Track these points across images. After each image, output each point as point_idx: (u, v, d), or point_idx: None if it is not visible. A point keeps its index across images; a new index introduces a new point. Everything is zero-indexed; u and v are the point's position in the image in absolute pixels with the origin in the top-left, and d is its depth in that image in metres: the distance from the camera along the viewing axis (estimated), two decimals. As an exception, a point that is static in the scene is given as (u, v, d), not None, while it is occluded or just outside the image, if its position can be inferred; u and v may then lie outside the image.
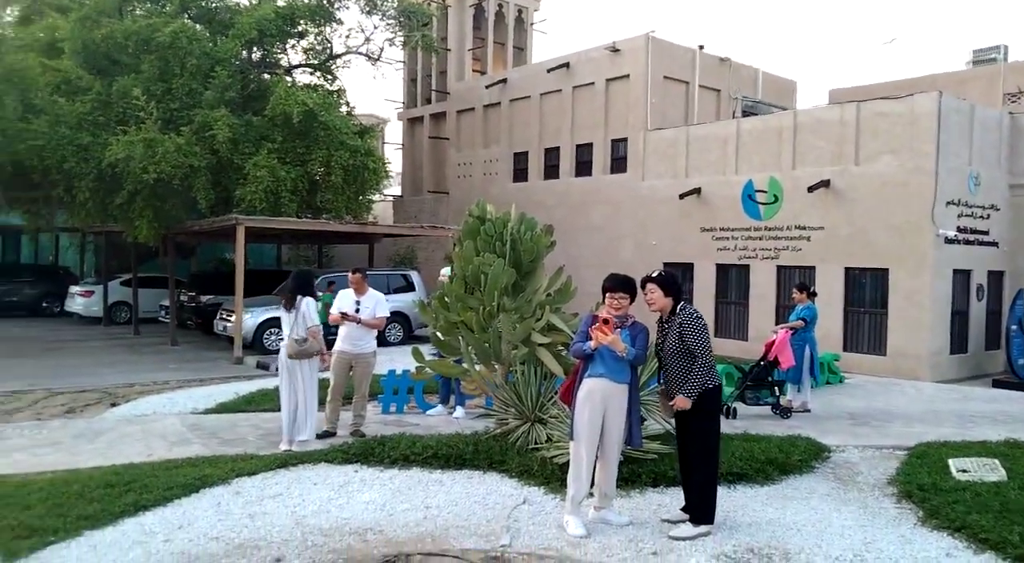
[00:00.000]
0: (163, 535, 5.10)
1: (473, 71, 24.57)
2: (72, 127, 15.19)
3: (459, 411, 9.23)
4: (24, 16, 19.58)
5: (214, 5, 18.79)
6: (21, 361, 14.15)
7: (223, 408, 9.46)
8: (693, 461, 5.31)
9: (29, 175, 15.98)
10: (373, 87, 74.75)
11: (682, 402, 5.16)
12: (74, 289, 21.51)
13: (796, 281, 12.81)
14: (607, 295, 5.39)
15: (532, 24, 26.25)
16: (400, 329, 16.58)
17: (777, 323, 12.95)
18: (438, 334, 8.26)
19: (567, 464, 5.56)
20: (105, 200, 15.69)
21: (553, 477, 6.19)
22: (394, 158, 27.56)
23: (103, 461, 6.96)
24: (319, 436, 7.82)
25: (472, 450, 6.86)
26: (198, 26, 17.43)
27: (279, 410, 7.74)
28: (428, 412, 9.37)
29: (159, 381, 11.63)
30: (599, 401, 5.27)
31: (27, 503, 5.56)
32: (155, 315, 19.94)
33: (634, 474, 6.20)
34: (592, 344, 5.23)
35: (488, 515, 5.60)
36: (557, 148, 20.17)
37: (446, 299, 8.15)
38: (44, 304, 23.05)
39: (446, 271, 9.38)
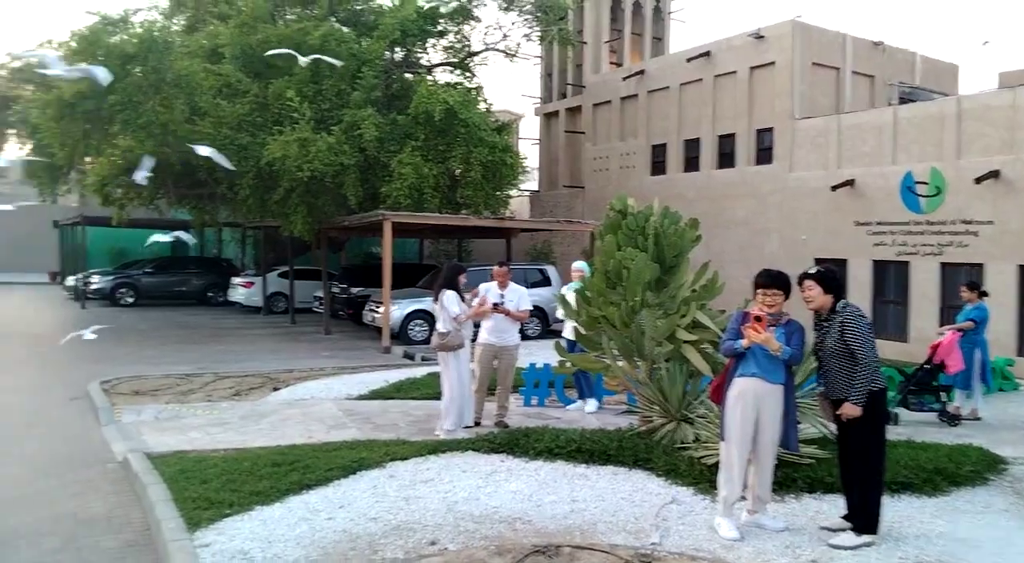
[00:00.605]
0: (326, 513, 5.39)
1: (610, 64, 24.37)
2: (233, 128, 16.24)
3: (591, 404, 9.21)
4: (189, 25, 21.10)
5: (359, 7, 19.59)
6: (191, 346, 15.35)
7: (375, 395, 9.89)
8: (855, 467, 5.05)
9: (195, 174, 17.24)
10: (510, 83, 75.67)
11: (850, 410, 4.90)
12: (236, 280, 23.09)
13: (963, 279, 11.91)
14: (759, 291, 5.21)
15: (670, 13, 25.74)
16: (538, 323, 16.72)
17: (942, 324, 12.09)
18: (579, 329, 8.27)
19: (716, 465, 5.44)
20: (263, 197, 16.71)
21: (702, 478, 6.06)
22: (530, 153, 27.84)
23: (268, 441, 7.43)
24: (467, 426, 8.03)
25: (617, 446, 6.83)
26: (344, 29, 18.21)
27: (429, 398, 8.02)
28: (568, 406, 9.41)
29: (315, 368, 12.28)
30: (751, 401, 5.11)
31: (204, 477, 6.03)
32: (309, 305, 21.08)
33: (789, 478, 5.97)
34: (744, 342, 5.07)
35: (636, 512, 5.55)
36: (697, 139, 19.67)
37: (587, 293, 8.14)
38: (209, 294, 24.87)
39: (579, 265, 9.38)
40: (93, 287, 24.03)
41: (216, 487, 5.78)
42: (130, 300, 24.05)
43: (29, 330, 17.64)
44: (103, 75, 8.85)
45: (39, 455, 7.33)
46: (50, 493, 6.18)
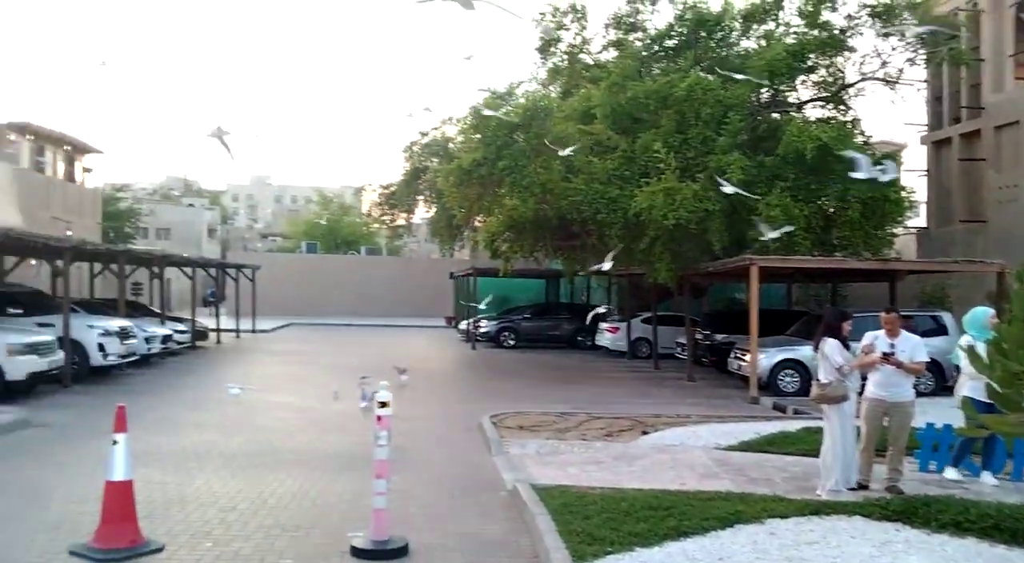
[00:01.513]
0: (705, 563, 5.29)
1: (1016, 79, 21.17)
2: (603, 182, 17.18)
3: (986, 476, 7.82)
4: (565, 91, 22.95)
5: (724, 54, 19.60)
6: (564, 386, 16.38)
7: (746, 446, 9.55)
8: None
9: (569, 227, 18.54)
10: (890, 112, 69.73)
11: None
12: (603, 325, 24.18)
13: None
14: None
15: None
16: (931, 378, 14.80)
17: None
18: (994, 386, 7.11)
19: None
20: (630, 246, 17.34)
21: None
22: (917, 186, 25.14)
23: (641, 484, 7.54)
24: (851, 488, 7.34)
25: (1049, 526, 5.71)
26: (710, 77, 18.35)
27: (806, 454, 7.51)
28: (979, 477, 8.12)
29: (681, 414, 12.28)
30: None
31: (586, 513, 6.29)
32: (671, 351, 21.25)
33: None
34: None
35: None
36: None
37: (1004, 345, 6.98)
38: (579, 337, 26.37)
39: (984, 311, 8.09)
40: (481, 330, 26.94)
41: (597, 523, 6.00)
42: (511, 342, 26.50)
43: (431, 367, 20.28)
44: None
45: (441, 477, 8.31)
46: (453, 513, 6.94)
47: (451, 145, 22.11)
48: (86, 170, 33.65)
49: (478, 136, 17.73)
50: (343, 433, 10.73)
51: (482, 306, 15.36)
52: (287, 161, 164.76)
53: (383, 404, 5.85)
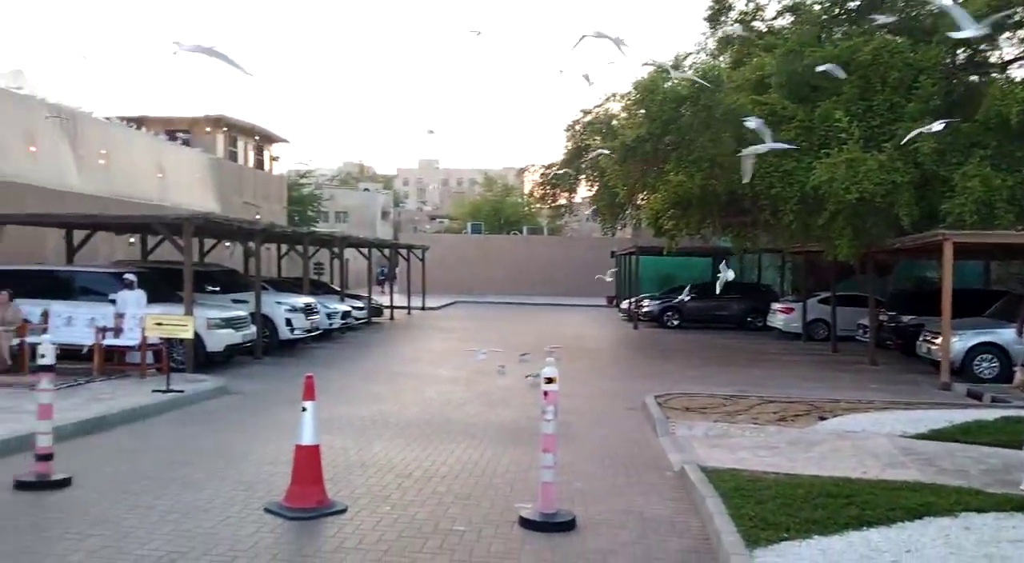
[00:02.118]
0: (890, 555, 4.93)
1: None
2: (777, 155, 16.31)
3: None
4: (736, 60, 21.95)
5: (914, 14, 17.99)
6: (732, 368, 15.85)
7: (936, 435, 8.81)
8: None
9: (740, 202, 17.79)
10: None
11: None
12: (775, 305, 23.16)
13: None
14: None
15: None
16: None
17: None
18: None
19: None
20: (807, 221, 16.39)
21: None
22: None
23: (818, 471, 7.15)
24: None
25: None
26: (898, 38, 16.92)
27: (1005, 446, 6.82)
28: None
29: (862, 400, 11.51)
30: None
31: (759, 498, 6.05)
32: (852, 334, 19.98)
33: None
34: None
35: None
36: None
37: None
38: (748, 319, 25.41)
39: None
40: (644, 310, 26.58)
41: (771, 508, 5.75)
42: (675, 323, 25.95)
43: (592, 346, 20.26)
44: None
45: (605, 455, 8.27)
46: (618, 490, 6.89)
47: (614, 122, 21.79)
48: (273, 158, 36.26)
49: (642, 111, 17.35)
50: (508, 407, 10.97)
51: (722, 278, 15.02)
52: (454, 145, 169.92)
53: (550, 380, 5.89)
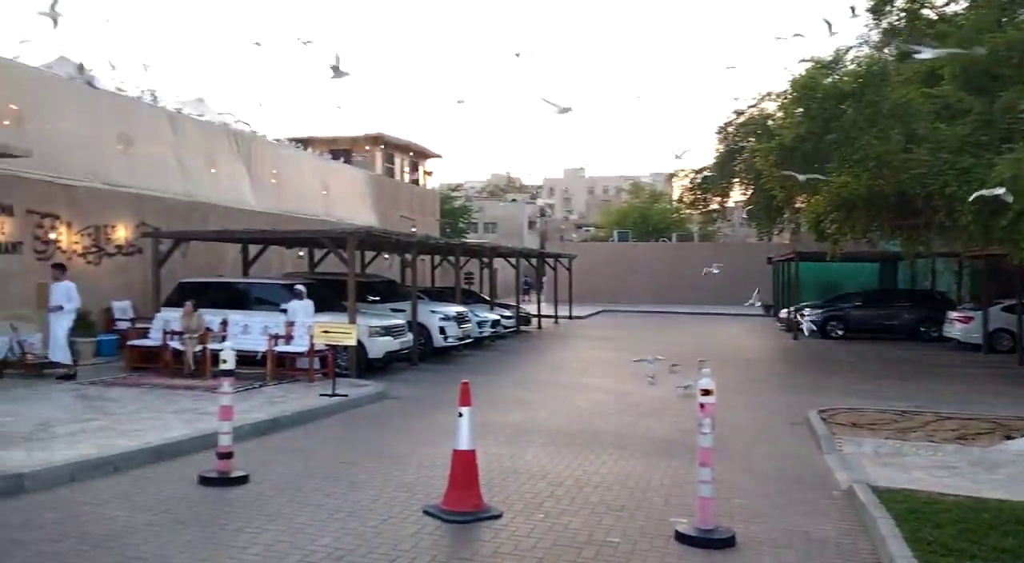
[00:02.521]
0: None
1: None
2: (952, 151, 15.09)
3: None
4: (902, 53, 20.56)
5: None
6: (903, 382, 14.79)
7: None
8: None
9: (911, 203, 16.59)
10: None
11: None
12: (952, 314, 21.41)
13: None
14: None
15: None
16: None
17: None
18: None
19: None
20: (988, 223, 15.05)
21: None
22: None
23: (1006, 494, 6.52)
24: None
25: None
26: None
27: None
28: None
29: (1056, 418, 10.41)
30: None
31: (937, 521, 5.60)
32: (1044, 345, 18.14)
33: None
34: None
35: None
36: None
37: None
38: (921, 329, 23.62)
39: None
40: (805, 319, 25.31)
41: (952, 534, 5.30)
42: (840, 333, 24.52)
43: (749, 357, 19.52)
44: None
45: (766, 471, 7.92)
46: (780, 509, 6.57)
47: (770, 122, 20.93)
48: (427, 173, 37.63)
49: (801, 110, 16.57)
50: (659, 418, 10.76)
51: None
52: (599, 152, 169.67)
53: (706, 391, 5.71)
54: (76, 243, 15.78)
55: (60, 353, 12.55)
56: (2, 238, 14.16)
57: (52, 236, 15.21)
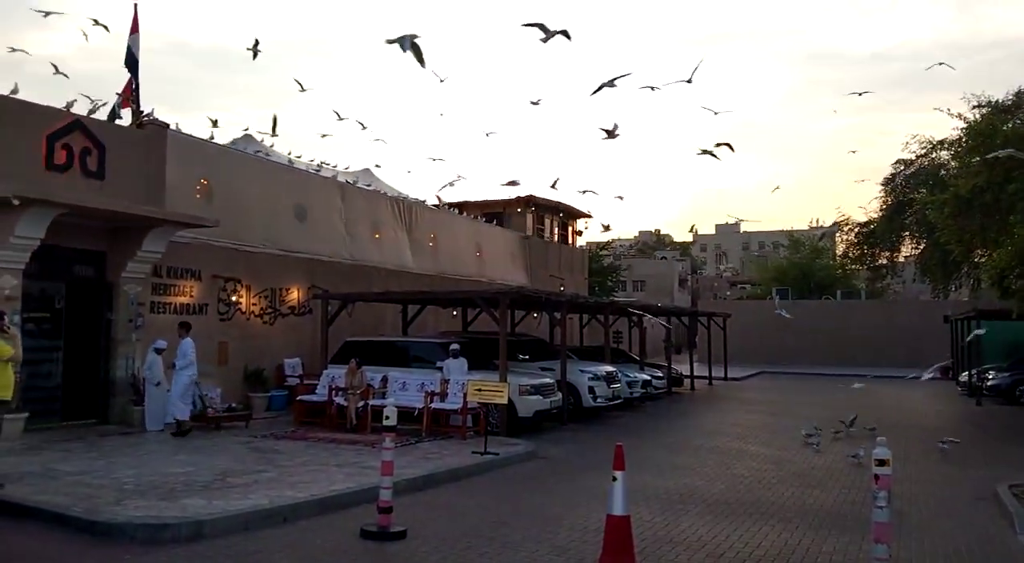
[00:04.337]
0: None
1: None
2: None
3: None
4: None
5: None
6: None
7: None
8: None
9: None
10: None
11: None
12: None
13: None
14: None
15: None
16: None
17: None
18: None
19: None
20: None
21: None
22: None
23: None
24: None
25: None
26: None
27: None
28: None
29: None
30: None
31: None
32: None
33: None
34: None
35: None
36: None
37: None
38: None
39: None
40: (989, 383, 23.10)
41: None
42: (1030, 399, 22.15)
43: (925, 423, 17.98)
44: None
45: (949, 551, 7.20)
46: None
47: (943, 172, 19.66)
48: (577, 233, 37.97)
49: (978, 159, 15.48)
50: (825, 489, 10.08)
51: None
52: (753, 208, 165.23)
53: (881, 462, 5.32)
54: (255, 305, 17.08)
55: (174, 409, 12.90)
56: (191, 300, 15.56)
57: (233, 298, 16.55)
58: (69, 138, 13.27)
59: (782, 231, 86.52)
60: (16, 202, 11.19)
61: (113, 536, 6.98)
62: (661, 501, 9.01)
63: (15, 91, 13.24)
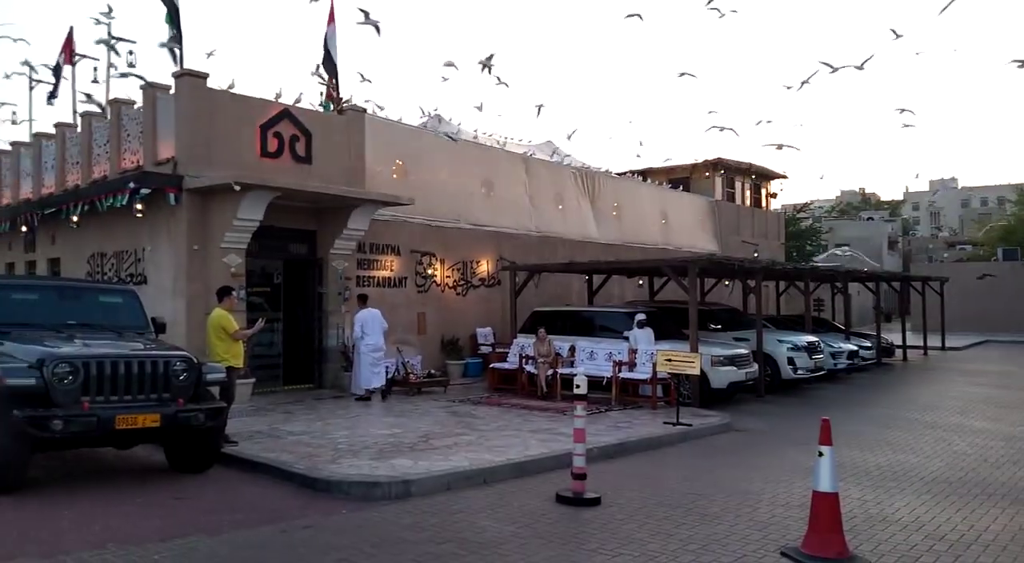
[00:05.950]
0: None
1: None
2: None
3: None
4: None
5: None
6: None
7: None
8: None
9: None
10: None
11: None
12: None
13: None
14: None
15: None
16: None
17: None
18: None
19: None
20: None
21: None
22: None
23: None
24: None
25: None
26: None
27: None
28: None
29: None
30: None
31: None
32: None
33: None
34: None
35: None
36: None
37: None
38: None
39: None
40: None
41: None
42: None
43: None
44: None
45: None
46: None
47: None
48: (771, 195, 36.12)
49: None
50: (1071, 472, 8.96)
51: None
52: (973, 160, 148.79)
53: None
54: (448, 277, 17.83)
55: (359, 378, 13.56)
56: (392, 274, 16.50)
57: (429, 271, 17.36)
58: (279, 126, 14.40)
59: (1009, 185, 77.63)
60: (237, 187, 12.36)
61: (331, 491, 7.59)
62: (872, 478, 8.42)
63: (232, 86, 14.54)
